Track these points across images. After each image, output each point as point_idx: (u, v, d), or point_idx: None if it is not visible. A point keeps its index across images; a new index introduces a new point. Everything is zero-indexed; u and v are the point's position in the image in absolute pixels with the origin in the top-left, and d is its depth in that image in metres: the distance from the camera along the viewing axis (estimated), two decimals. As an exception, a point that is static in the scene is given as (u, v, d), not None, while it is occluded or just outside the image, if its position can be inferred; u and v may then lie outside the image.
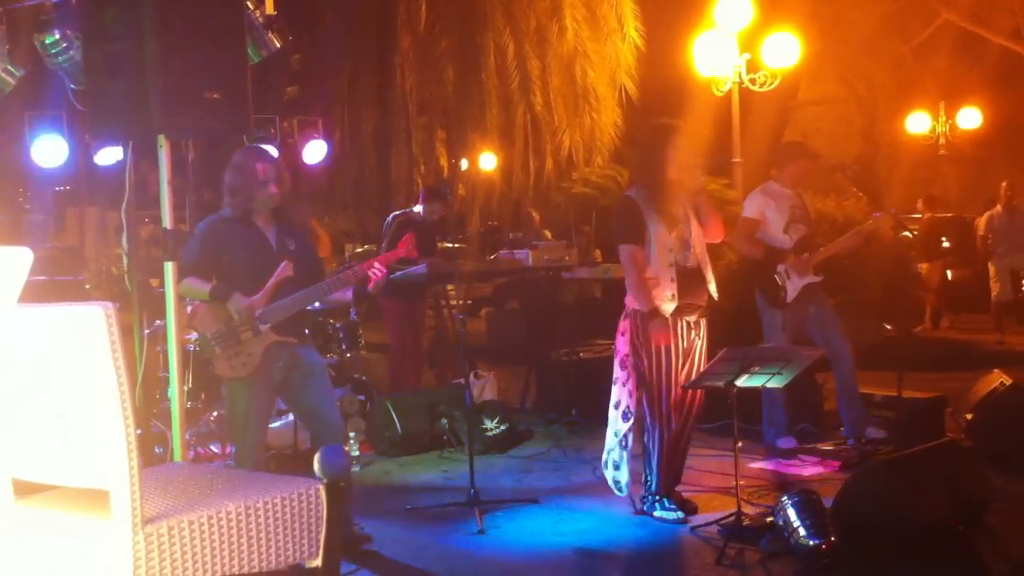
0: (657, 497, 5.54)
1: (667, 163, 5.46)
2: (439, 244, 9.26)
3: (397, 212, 8.85)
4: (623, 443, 5.55)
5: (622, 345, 5.53)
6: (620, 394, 5.55)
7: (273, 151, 5.24)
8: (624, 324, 5.52)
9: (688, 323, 5.47)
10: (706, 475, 6.42)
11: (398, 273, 8.02)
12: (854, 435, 6.84)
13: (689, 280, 5.43)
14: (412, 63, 13.80)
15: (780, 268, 6.88)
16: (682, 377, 5.47)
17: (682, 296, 5.39)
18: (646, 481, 5.61)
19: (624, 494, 5.61)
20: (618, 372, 5.56)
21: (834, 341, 6.84)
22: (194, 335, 5.75)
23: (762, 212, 7.00)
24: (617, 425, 5.57)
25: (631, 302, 5.49)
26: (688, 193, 5.51)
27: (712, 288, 5.54)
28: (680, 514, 5.48)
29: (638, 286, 5.39)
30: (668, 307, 5.38)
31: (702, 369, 5.41)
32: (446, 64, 13.86)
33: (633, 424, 5.53)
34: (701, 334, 5.55)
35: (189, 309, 5.44)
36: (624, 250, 5.47)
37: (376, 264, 5.08)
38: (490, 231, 16.05)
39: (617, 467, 5.60)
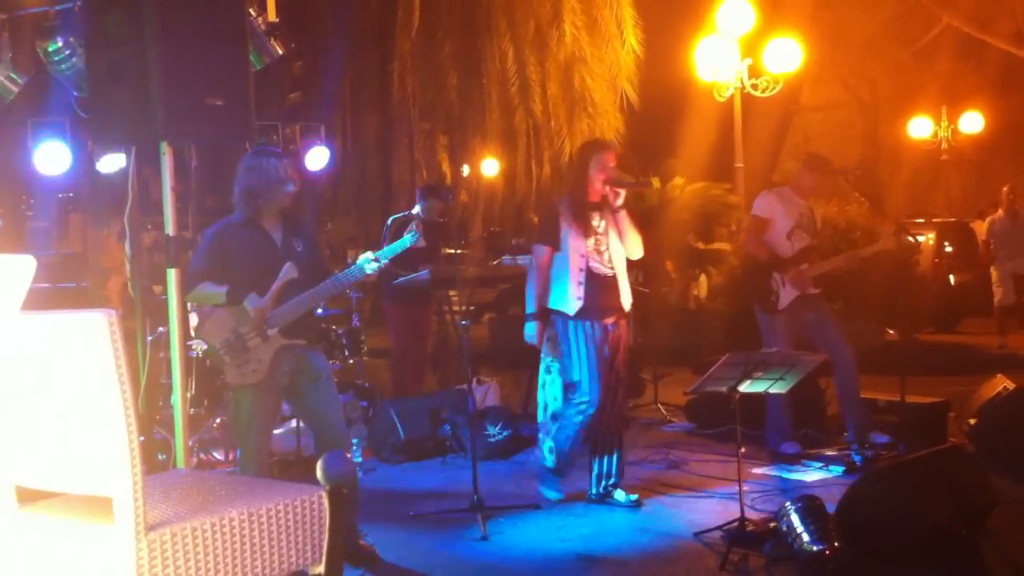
0: (551, 475, 6.03)
1: (590, 179, 5.90)
2: (442, 249, 9.24)
3: (396, 215, 8.84)
4: (548, 431, 6.07)
5: (546, 351, 6.06)
6: (546, 397, 6.12)
7: (284, 162, 5.24)
8: (549, 331, 5.99)
9: (604, 326, 5.84)
10: (709, 480, 6.41)
11: (401, 279, 8.02)
12: (858, 440, 6.83)
13: (603, 287, 5.86)
14: (414, 69, 13.81)
15: (777, 275, 6.90)
16: (603, 372, 5.83)
17: (593, 301, 5.81)
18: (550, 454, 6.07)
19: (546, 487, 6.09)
20: (543, 376, 6.13)
21: (836, 344, 6.85)
22: (198, 343, 5.74)
23: (771, 213, 7.04)
24: (548, 427, 6.12)
25: (550, 304, 5.94)
26: (612, 209, 5.90)
27: (624, 298, 5.93)
28: (561, 495, 6.00)
29: (533, 286, 5.93)
30: (572, 308, 5.81)
31: (622, 366, 5.90)
32: (448, 69, 13.87)
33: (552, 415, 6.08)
34: (617, 335, 5.91)
35: (196, 319, 5.44)
36: (537, 249, 5.98)
37: (374, 255, 5.06)
38: (493, 237, 16.04)
39: (544, 444, 6.12)
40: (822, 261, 7.01)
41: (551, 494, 6.04)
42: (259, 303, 4.87)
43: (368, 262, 5.04)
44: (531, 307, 5.95)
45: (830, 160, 7.59)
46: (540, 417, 6.23)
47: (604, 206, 5.92)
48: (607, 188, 5.86)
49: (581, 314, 5.80)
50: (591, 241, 5.85)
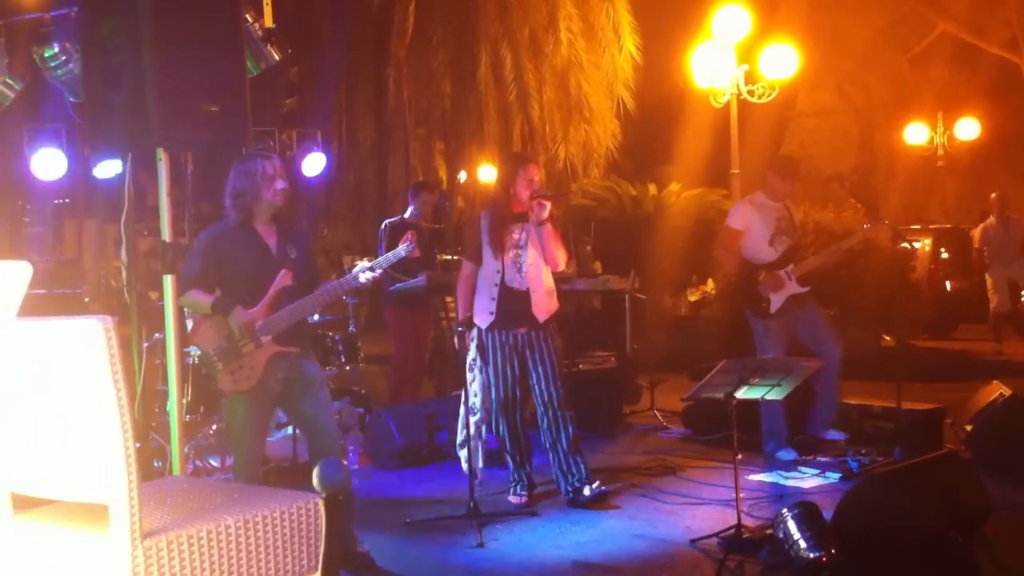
0: (513, 485, 6.25)
1: (510, 194, 6.07)
2: (438, 256, 9.23)
3: (390, 219, 8.84)
4: (470, 432, 6.15)
5: (472, 350, 6.20)
6: (469, 392, 6.23)
7: (274, 161, 5.23)
8: (472, 332, 6.18)
9: (516, 335, 6.07)
10: (706, 487, 6.41)
11: (399, 285, 8.02)
12: (813, 430, 6.98)
13: (513, 300, 6.04)
14: (409, 75, 13.83)
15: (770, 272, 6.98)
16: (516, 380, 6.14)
17: (505, 314, 6.04)
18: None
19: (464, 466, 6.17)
20: (468, 374, 6.23)
21: (826, 341, 6.96)
22: (193, 349, 5.73)
23: (746, 223, 7.13)
24: (464, 419, 6.21)
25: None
26: (537, 221, 6.02)
27: (540, 310, 6.09)
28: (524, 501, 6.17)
29: (459, 297, 6.22)
30: (484, 322, 6.08)
31: (544, 372, 6.08)
32: (443, 76, 13.90)
33: (482, 417, 6.21)
34: (531, 342, 6.09)
35: (190, 324, 5.43)
36: (463, 264, 6.29)
37: (366, 272, 5.05)
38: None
39: (463, 446, 6.21)
40: (809, 258, 7.05)
41: (517, 500, 6.22)
42: (244, 317, 4.86)
43: (363, 271, 5.04)
44: (460, 314, 6.21)
45: (798, 163, 7.69)
46: (461, 413, 6.28)
47: (526, 219, 6.06)
48: (533, 201, 5.99)
49: (492, 326, 6.07)
50: (511, 254, 6.03)
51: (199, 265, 4.96)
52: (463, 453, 6.19)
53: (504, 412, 6.17)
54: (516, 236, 6.05)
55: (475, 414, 6.17)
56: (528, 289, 6.07)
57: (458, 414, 6.28)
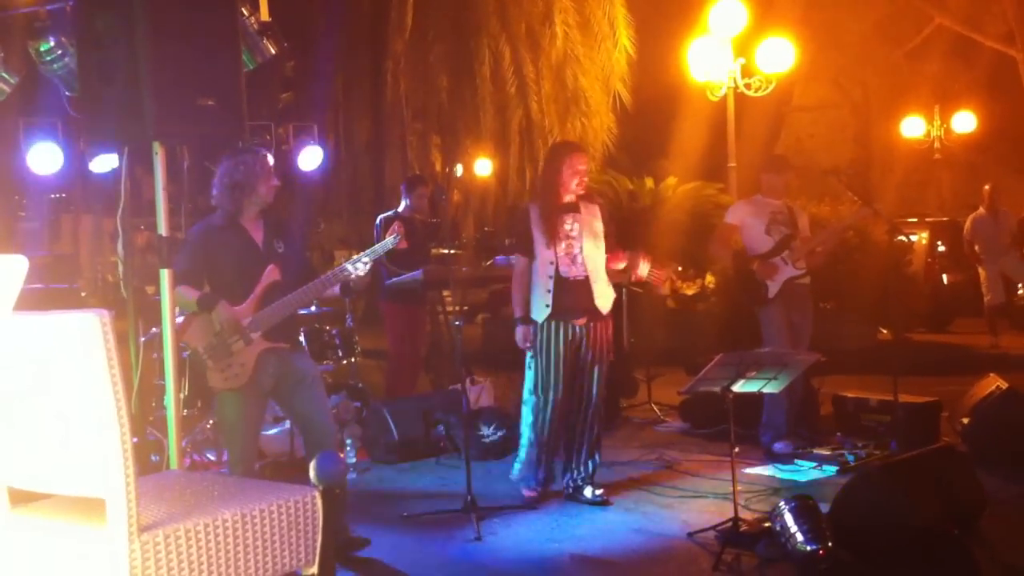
0: (525, 469, 6.09)
1: (560, 183, 5.96)
2: (434, 250, 9.23)
3: (385, 213, 8.83)
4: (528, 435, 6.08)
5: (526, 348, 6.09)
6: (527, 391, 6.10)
7: (269, 157, 5.25)
8: (528, 329, 6.02)
9: (573, 327, 5.93)
10: (703, 481, 6.42)
11: (395, 279, 8.01)
12: (765, 437, 7.00)
13: (571, 291, 5.91)
14: (406, 69, 13.82)
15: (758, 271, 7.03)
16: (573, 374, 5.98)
17: (561, 306, 5.89)
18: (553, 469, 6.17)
19: (518, 480, 6.16)
20: (527, 372, 6.11)
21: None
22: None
23: (741, 219, 7.28)
24: (528, 418, 6.10)
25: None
26: (586, 212, 5.97)
27: (599, 301, 5.96)
28: (534, 491, 6.05)
29: (514, 293, 6.04)
30: (542, 314, 5.91)
31: (600, 365, 5.97)
32: (440, 70, 13.88)
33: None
34: (590, 336, 5.98)
35: (180, 321, 5.43)
36: (515, 259, 6.12)
37: (359, 264, 5.06)
38: (486, 237, 16.05)
39: (519, 459, 6.15)
40: (805, 241, 7.08)
41: (598, 498, 6.00)
42: (228, 312, 4.86)
43: (353, 263, 5.04)
44: (516, 311, 6.03)
45: (787, 158, 7.83)
46: (524, 415, 6.21)
47: (577, 208, 5.96)
48: (577, 185, 5.95)
49: (549, 319, 5.91)
50: (562, 246, 5.90)
51: (188, 261, 4.96)
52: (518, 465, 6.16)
53: (553, 408, 5.97)
54: (567, 226, 5.94)
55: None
56: (587, 278, 5.93)
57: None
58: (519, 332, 5.99)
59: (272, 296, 4.95)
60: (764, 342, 6.93)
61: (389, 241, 5.13)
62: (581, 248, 5.93)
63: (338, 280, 5.11)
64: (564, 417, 6.02)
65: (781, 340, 6.87)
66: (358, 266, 5.04)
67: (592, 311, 5.96)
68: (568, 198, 5.98)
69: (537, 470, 6.11)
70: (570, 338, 5.93)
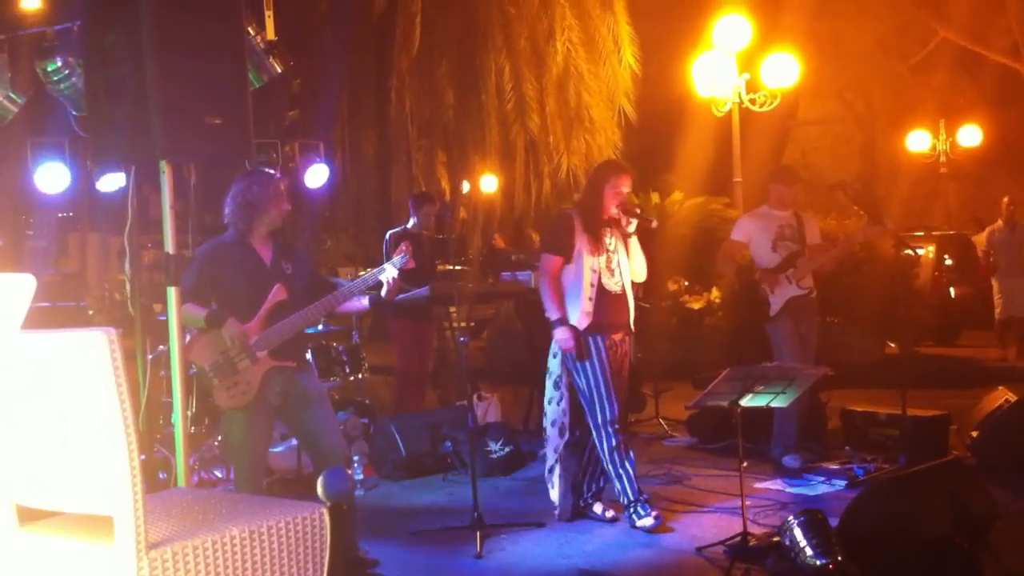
0: (633, 506, 5.79)
1: (603, 199, 5.89)
2: (440, 266, 9.24)
3: (393, 229, 8.85)
4: (559, 458, 5.94)
5: (555, 366, 5.96)
6: (555, 413, 5.95)
7: (282, 182, 5.28)
8: (555, 346, 5.91)
9: (613, 340, 5.86)
10: (711, 495, 6.40)
11: (402, 295, 8.02)
12: (776, 450, 6.99)
13: (611, 303, 5.84)
14: (411, 86, 13.84)
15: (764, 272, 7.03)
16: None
17: (601, 316, 5.79)
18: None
19: (557, 511, 5.96)
20: (552, 392, 5.97)
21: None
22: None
23: (747, 234, 7.26)
24: (555, 441, 5.96)
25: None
26: (623, 232, 5.93)
27: (631, 315, 5.93)
28: (656, 512, 5.77)
29: (551, 295, 5.84)
30: (581, 323, 5.79)
31: (625, 381, 5.90)
32: (445, 86, 13.90)
33: (568, 440, 5.98)
34: (628, 350, 5.98)
35: (187, 340, 5.44)
36: (546, 259, 5.94)
37: (386, 268, 5.09)
38: (492, 252, 16.04)
39: (553, 486, 5.97)
40: (809, 258, 7.05)
41: (649, 521, 5.74)
42: (237, 328, 4.87)
43: (374, 276, 5.09)
44: (555, 313, 5.82)
45: (796, 169, 7.78)
46: (551, 436, 6.02)
47: (615, 224, 5.94)
48: (620, 214, 5.89)
49: (589, 329, 5.80)
50: (603, 258, 5.85)
51: (195, 280, 4.97)
52: (553, 479, 5.99)
53: (612, 423, 5.77)
54: (607, 240, 5.90)
55: (565, 435, 5.97)
56: (623, 292, 5.91)
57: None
58: (563, 332, 5.79)
59: (278, 315, 4.96)
60: (774, 356, 6.93)
61: (397, 261, 5.14)
62: (618, 263, 5.91)
63: (346, 298, 5.12)
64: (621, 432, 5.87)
65: (791, 352, 6.86)
66: (383, 275, 5.07)
67: (626, 326, 5.95)
68: (608, 214, 5.93)
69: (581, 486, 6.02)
70: (606, 351, 5.81)
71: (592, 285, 5.79)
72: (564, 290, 5.86)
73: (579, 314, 5.79)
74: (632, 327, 5.99)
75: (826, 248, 7.28)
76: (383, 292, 5.12)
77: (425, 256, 8.27)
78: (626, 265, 5.94)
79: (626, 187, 5.93)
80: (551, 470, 5.99)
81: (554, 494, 5.97)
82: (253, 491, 4.91)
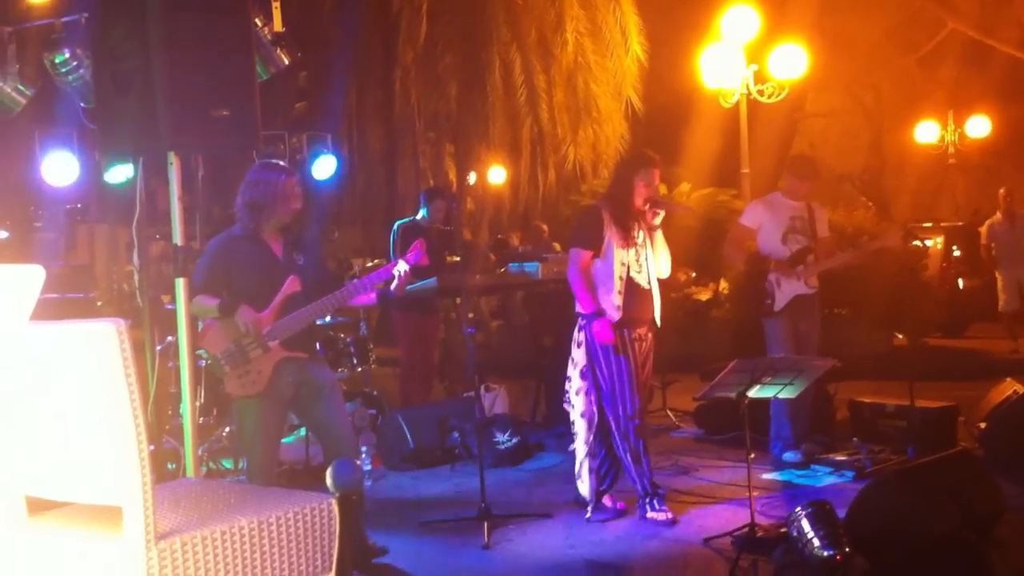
0: (648, 499, 5.76)
1: (634, 191, 5.82)
2: (448, 258, 9.24)
3: (403, 221, 8.85)
4: (589, 451, 5.84)
5: (580, 356, 5.84)
6: (584, 403, 5.84)
7: (294, 179, 5.23)
8: (580, 335, 5.84)
9: (639, 335, 5.80)
10: (719, 486, 6.40)
11: (408, 287, 8.01)
12: (775, 448, 6.91)
13: (639, 297, 5.79)
14: (418, 79, 13.85)
15: (771, 276, 6.90)
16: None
17: (629, 310, 5.73)
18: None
19: (590, 507, 5.84)
20: (579, 382, 5.86)
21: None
22: (205, 351, 5.75)
23: (757, 221, 7.07)
24: (585, 434, 5.85)
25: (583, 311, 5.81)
26: (649, 226, 5.88)
27: (657, 312, 5.88)
28: (671, 514, 5.70)
29: (584, 288, 5.76)
30: (611, 316, 5.70)
31: (647, 377, 5.88)
32: (451, 79, 13.90)
33: (595, 432, 5.84)
34: (651, 346, 5.91)
35: (200, 328, 5.45)
36: (576, 253, 5.85)
37: (399, 263, 5.09)
38: (498, 244, 16.04)
39: (582, 480, 5.88)
40: (823, 259, 6.98)
41: (663, 515, 5.71)
42: (250, 316, 4.87)
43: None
44: (589, 307, 5.74)
45: (815, 162, 7.54)
46: (579, 425, 5.89)
47: (642, 217, 5.87)
48: (647, 206, 5.83)
49: (617, 324, 5.72)
50: (632, 252, 5.79)
51: (207, 272, 4.97)
52: (580, 486, 5.88)
53: (633, 418, 5.72)
54: (635, 233, 5.83)
55: (593, 427, 5.84)
56: (650, 287, 5.85)
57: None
58: (600, 325, 5.67)
59: (291, 307, 4.95)
60: (767, 352, 6.87)
61: (411, 256, 5.17)
62: (647, 256, 5.85)
63: (358, 292, 5.11)
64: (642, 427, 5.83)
65: (785, 352, 6.77)
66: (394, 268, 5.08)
67: (651, 322, 5.90)
68: (636, 206, 5.85)
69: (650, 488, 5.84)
70: (632, 345, 5.75)
71: (622, 279, 5.73)
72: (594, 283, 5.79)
73: (609, 308, 5.73)
74: (658, 322, 5.92)
75: (832, 252, 7.08)
76: (392, 286, 5.11)
77: (435, 250, 8.27)
78: (652, 259, 5.87)
79: (656, 180, 5.86)
80: (581, 463, 5.87)
81: (584, 488, 5.86)
82: (265, 482, 4.91)
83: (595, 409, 5.80)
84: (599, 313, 5.70)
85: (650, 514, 5.71)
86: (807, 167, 7.24)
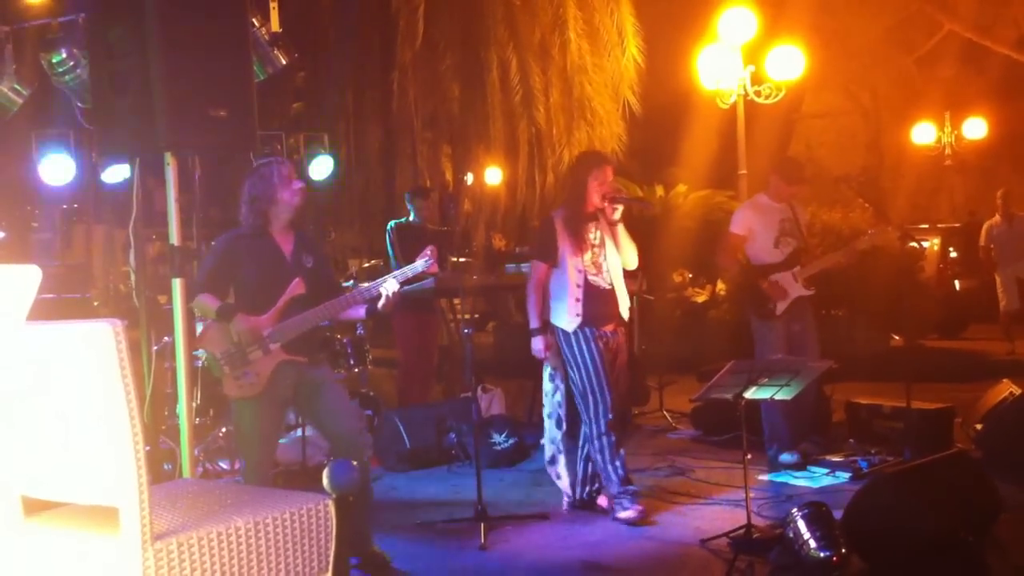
0: (619, 498, 5.80)
1: (587, 192, 5.88)
2: (449, 259, 9.25)
3: (396, 221, 8.85)
4: (558, 448, 6.05)
5: (550, 359, 5.99)
6: (551, 405, 6.07)
7: (286, 163, 5.22)
8: (549, 339, 5.96)
9: (604, 332, 5.87)
10: (715, 487, 6.41)
11: (405, 288, 8.01)
12: (770, 451, 6.88)
13: (600, 299, 5.87)
14: (415, 78, 13.83)
15: (774, 278, 6.88)
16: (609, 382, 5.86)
17: (591, 312, 5.83)
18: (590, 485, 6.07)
19: (569, 497, 6.04)
20: (547, 385, 6.07)
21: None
22: (202, 352, 5.73)
23: (748, 227, 7.02)
24: (552, 432, 6.06)
25: (551, 318, 5.95)
26: (608, 222, 5.92)
27: (623, 308, 5.96)
28: (639, 508, 5.74)
29: (533, 303, 5.94)
30: (571, 325, 5.82)
31: (621, 372, 5.95)
32: (449, 79, 13.89)
33: (566, 431, 6.03)
34: (622, 342, 6.01)
35: (200, 328, 5.43)
36: (534, 266, 6.02)
37: (390, 280, 5.05)
38: (493, 246, 16.06)
39: (559, 476, 6.08)
40: (817, 259, 6.99)
41: (632, 514, 5.75)
42: (245, 324, 4.84)
43: (382, 283, 5.02)
44: (534, 322, 5.95)
45: (804, 167, 7.46)
46: (548, 428, 6.11)
47: (599, 217, 5.92)
48: (605, 203, 5.87)
49: (580, 327, 5.83)
50: (588, 255, 5.86)
51: (211, 269, 4.94)
52: (559, 480, 6.09)
53: (607, 414, 5.79)
54: (591, 235, 5.90)
55: (561, 427, 6.04)
56: (612, 287, 5.90)
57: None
58: (538, 343, 5.92)
59: (295, 309, 4.91)
60: (757, 355, 6.82)
61: (419, 264, 5.11)
62: (605, 256, 5.91)
63: (364, 299, 5.07)
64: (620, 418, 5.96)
65: (779, 354, 6.75)
66: (386, 286, 5.01)
67: (616, 318, 5.96)
68: (592, 208, 5.91)
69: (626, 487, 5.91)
70: (603, 344, 5.84)
71: (579, 285, 5.83)
72: (552, 293, 5.92)
73: (569, 315, 5.83)
74: (626, 317, 6.00)
75: (814, 250, 7.06)
76: (380, 304, 5.06)
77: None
78: (614, 257, 5.93)
79: (609, 176, 5.93)
80: (553, 461, 6.06)
81: (562, 484, 6.02)
82: (261, 483, 4.89)
83: (563, 412, 6.02)
84: (540, 330, 5.90)
85: (620, 514, 5.74)
86: (795, 171, 7.17)
